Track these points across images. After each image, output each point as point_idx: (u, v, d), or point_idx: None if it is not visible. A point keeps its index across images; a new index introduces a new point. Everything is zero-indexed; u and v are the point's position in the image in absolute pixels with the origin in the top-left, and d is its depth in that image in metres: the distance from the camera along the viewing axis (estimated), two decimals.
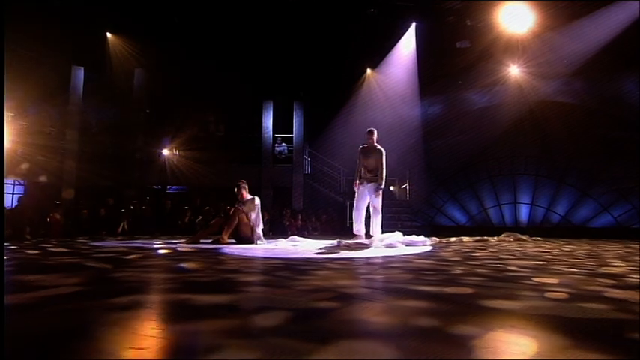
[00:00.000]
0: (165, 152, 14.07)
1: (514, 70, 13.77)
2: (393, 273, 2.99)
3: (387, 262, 3.70)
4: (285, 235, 8.38)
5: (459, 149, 14.31)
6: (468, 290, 2.16)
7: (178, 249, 5.26)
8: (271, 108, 14.59)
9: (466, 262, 3.72)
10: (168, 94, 13.93)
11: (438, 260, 3.89)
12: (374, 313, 1.69)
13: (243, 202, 6.96)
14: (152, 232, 10.37)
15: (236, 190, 7.05)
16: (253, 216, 6.83)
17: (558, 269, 3.22)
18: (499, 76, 13.93)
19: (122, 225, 11.28)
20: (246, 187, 7.14)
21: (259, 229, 6.92)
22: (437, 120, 15.02)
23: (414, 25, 13.76)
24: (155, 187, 14.56)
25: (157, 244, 6.39)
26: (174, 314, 1.67)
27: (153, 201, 12.75)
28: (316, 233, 12.07)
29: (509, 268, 3.24)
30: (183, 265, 3.47)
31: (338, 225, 13.13)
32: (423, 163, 14.70)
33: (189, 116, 14.13)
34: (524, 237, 8.58)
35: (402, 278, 2.71)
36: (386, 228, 13.48)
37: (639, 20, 11.32)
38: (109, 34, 13.67)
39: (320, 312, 1.66)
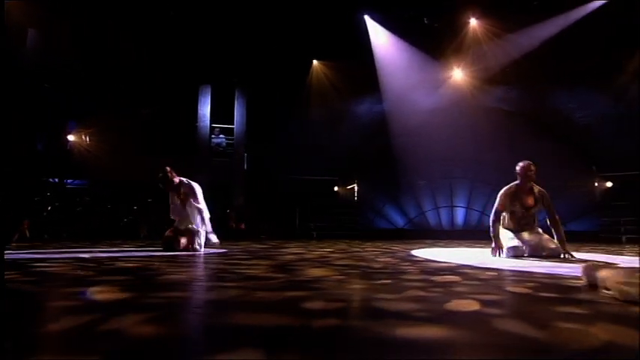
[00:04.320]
0: (72, 138, 11.28)
1: (459, 75, 13.91)
2: None
3: None
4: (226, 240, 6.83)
5: (403, 150, 13.98)
6: None
7: None
8: (209, 94, 12.56)
9: None
10: (77, 67, 11.17)
11: None
12: None
13: (179, 188, 5.32)
14: (62, 237, 7.97)
15: (160, 179, 5.22)
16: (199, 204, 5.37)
17: None
18: (444, 79, 13.97)
19: (20, 229, 8.57)
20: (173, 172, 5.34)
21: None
22: (381, 119, 14.52)
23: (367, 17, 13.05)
24: (51, 180, 11.65)
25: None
26: None
27: (57, 197, 10.07)
28: (263, 237, 10.67)
29: None
30: None
31: (286, 228, 11.85)
32: (367, 163, 14.11)
33: (105, 96, 11.52)
34: None
35: None
36: (327, 231, 12.77)
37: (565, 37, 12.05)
38: None
39: None
